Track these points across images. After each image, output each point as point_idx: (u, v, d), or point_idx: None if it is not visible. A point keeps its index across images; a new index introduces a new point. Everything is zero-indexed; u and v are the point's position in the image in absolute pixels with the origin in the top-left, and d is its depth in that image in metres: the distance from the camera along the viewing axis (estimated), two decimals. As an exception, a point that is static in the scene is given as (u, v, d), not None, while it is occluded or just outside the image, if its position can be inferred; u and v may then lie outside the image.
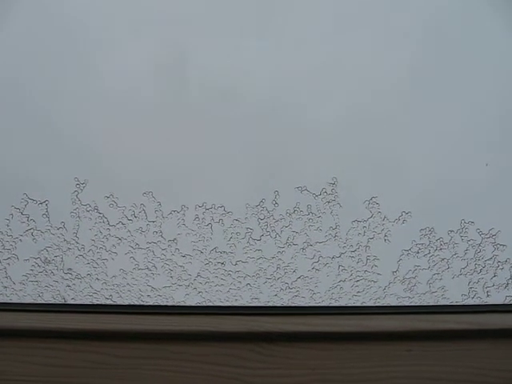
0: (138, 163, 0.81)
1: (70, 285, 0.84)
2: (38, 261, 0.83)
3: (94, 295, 0.84)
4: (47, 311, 0.83)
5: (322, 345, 0.81)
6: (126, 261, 0.83)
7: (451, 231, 0.83)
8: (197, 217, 0.82)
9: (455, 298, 0.85)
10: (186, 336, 0.80)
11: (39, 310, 0.83)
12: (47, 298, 0.84)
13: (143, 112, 0.80)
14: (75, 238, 0.83)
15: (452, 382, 0.81)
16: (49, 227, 0.82)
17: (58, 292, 0.84)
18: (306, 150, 0.82)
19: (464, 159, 0.82)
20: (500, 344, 0.81)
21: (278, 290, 0.84)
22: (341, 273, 0.84)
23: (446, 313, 0.83)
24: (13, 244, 0.83)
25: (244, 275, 0.84)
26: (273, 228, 0.83)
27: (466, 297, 0.85)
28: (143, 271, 0.84)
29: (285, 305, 0.84)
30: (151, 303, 0.84)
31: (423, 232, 0.83)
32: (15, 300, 0.84)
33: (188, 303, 0.84)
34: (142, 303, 0.84)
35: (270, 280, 0.84)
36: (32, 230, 0.82)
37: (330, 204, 0.82)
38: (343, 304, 0.84)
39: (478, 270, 0.84)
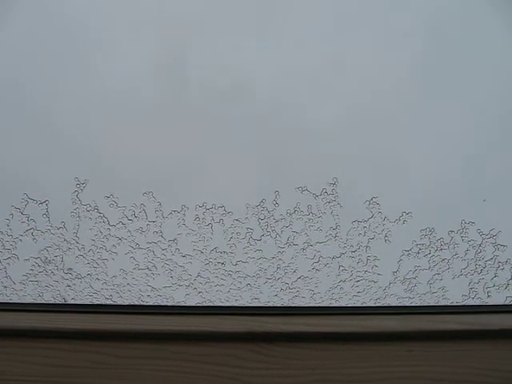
0: (138, 163, 0.81)
1: (70, 285, 0.84)
2: (38, 261, 0.83)
3: (94, 295, 0.84)
4: (47, 311, 0.83)
5: (322, 345, 0.80)
6: (126, 261, 0.83)
7: (452, 231, 0.82)
8: (197, 217, 0.82)
9: (456, 298, 0.84)
10: (186, 336, 0.80)
11: (39, 309, 0.83)
12: (47, 298, 0.85)
13: (143, 112, 0.81)
14: (75, 238, 0.83)
15: (452, 382, 0.81)
16: (49, 227, 0.82)
17: (58, 292, 0.84)
18: (306, 150, 0.82)
19: (464, 159, 0.82)
20: (500, 344, 0.81)
21: (279, 290, 0.84)
22: (341, 273, 0.84)
23: (447, 313, 0.83)
24: (13, 244, 0.83)
25: (244, 275, 0.84)
26: (273, 228, 0.83)
27: (466, 297, 0.85)
28: (143, 271, 0.84)
29: (285, 305, 0.84)
30: (151, 303, 0.84)
31: (424, 232, 0.83)
32: (15, 300, 0.84)
33: (188, 303, 0.84)
34: (142, 303, 0.84)
35: (270, 280, 0.84)
36: (32, 230, 0.82)
37: (331, 204, 0.82)
38: (343, 304, 0.84)
39: (479, 270, 0.84)
